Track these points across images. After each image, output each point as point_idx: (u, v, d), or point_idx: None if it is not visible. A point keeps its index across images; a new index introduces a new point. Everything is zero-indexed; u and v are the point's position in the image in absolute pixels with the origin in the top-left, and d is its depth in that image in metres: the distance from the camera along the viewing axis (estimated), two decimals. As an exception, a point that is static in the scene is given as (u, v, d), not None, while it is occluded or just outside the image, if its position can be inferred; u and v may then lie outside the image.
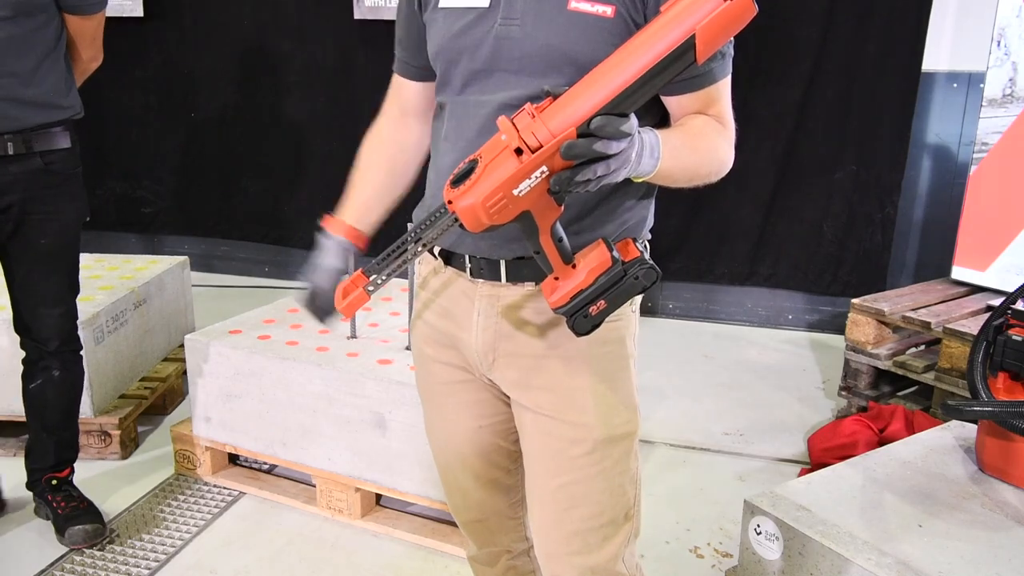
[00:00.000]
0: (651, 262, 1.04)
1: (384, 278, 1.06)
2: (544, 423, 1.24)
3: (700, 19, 0.93)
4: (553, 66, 1.11)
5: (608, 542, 1.28)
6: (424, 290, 1.34)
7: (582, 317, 1.04)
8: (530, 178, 0.96)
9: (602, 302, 1.04)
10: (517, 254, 1.18)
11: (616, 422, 1.24)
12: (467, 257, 1.23)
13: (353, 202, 1.35)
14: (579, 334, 1.06)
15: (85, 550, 2.20)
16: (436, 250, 1.28)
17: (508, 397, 1.30)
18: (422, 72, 1.29)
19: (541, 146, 0.95)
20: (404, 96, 1.35)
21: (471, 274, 1.23)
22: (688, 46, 0.93)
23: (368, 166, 1.37)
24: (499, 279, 1.21)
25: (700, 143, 1.13)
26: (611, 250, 1.05)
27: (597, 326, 1.06)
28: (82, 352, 2.28)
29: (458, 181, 0.98)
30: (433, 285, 1.31)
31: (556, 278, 1.06)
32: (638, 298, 1.26)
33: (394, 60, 1.35)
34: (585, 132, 0.94)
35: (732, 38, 1.15)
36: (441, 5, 1.19)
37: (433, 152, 1.30)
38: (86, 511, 2.24)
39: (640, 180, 1.06)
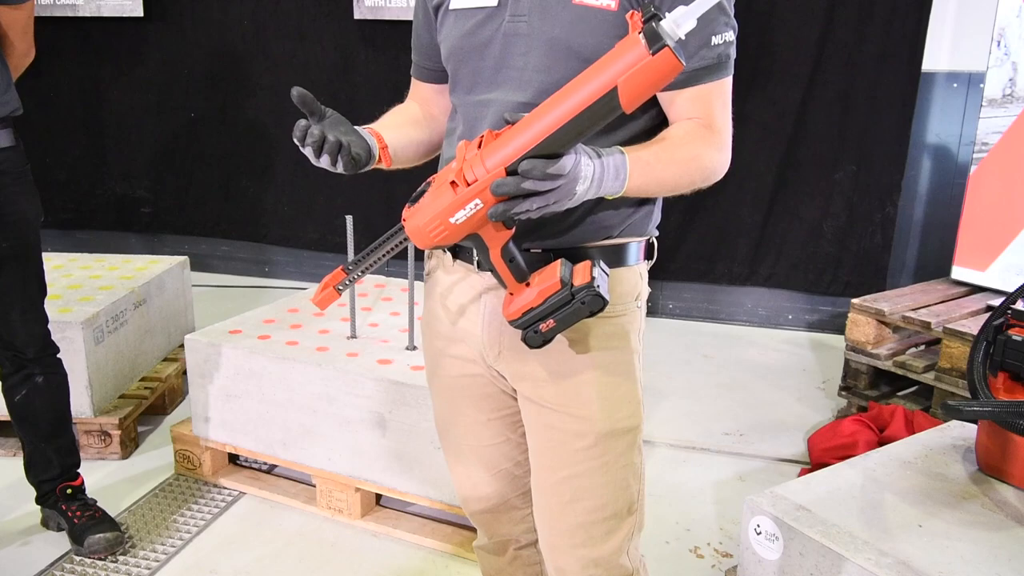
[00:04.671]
0: (598, 289, 1.07)
1: (352, 279, 1.15)
2: (547, 416, 1.25)
3: (622, 71, 0.93)
4: (557, 60, 1.13)
5: (611, 535, 1.29)
6: (435, 285, 1.35)
7: (533, 332, 1.09)
8: (464, 209, 1.00)
9: (551, 321, 1.07)
10: (523, 246, 1.19)
11: (619, 416, 1.25)
12: (474, 250, 1.24)
13: (379, 122, 1.32)
14: (531, 347, 1.10)
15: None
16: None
17: (515, 390, 1.31)
18: (436, 74, 1.33)
19: (476, 180, 0.99)
20: (421, 99, 1.38)
21: (478, 267, 1.25)
22: (611, 97, 0.94)
23: (392, 112, 1.38)
24: None
25: (677, 155, 1.13)
26: (563, 271, 1.08)
27: (548, 341, 1.10)
28: (59, 355, 2.22)
29: (414, 200, 1.05)
30: (441, 279, 1.33)
31: (511, 293, 1.10)
32: (645, 293, 1.29)
33: (411, 66, 1.39)
34: (514, 171, 0.97)
35: (734, 39, 1.16)
36: (452, 7, 1.23)
37: (447, 152, 1.32)
38: (103, 520, 2.22)
39: (612, 198, 1.09)
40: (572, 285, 1.07)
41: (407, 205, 1.06)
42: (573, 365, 1.23)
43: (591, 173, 1.01)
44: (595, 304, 1.06)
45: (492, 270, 1.09)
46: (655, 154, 1.11)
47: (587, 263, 1.09)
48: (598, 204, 1.18)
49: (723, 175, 1.20)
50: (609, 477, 1.26)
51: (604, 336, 1.22)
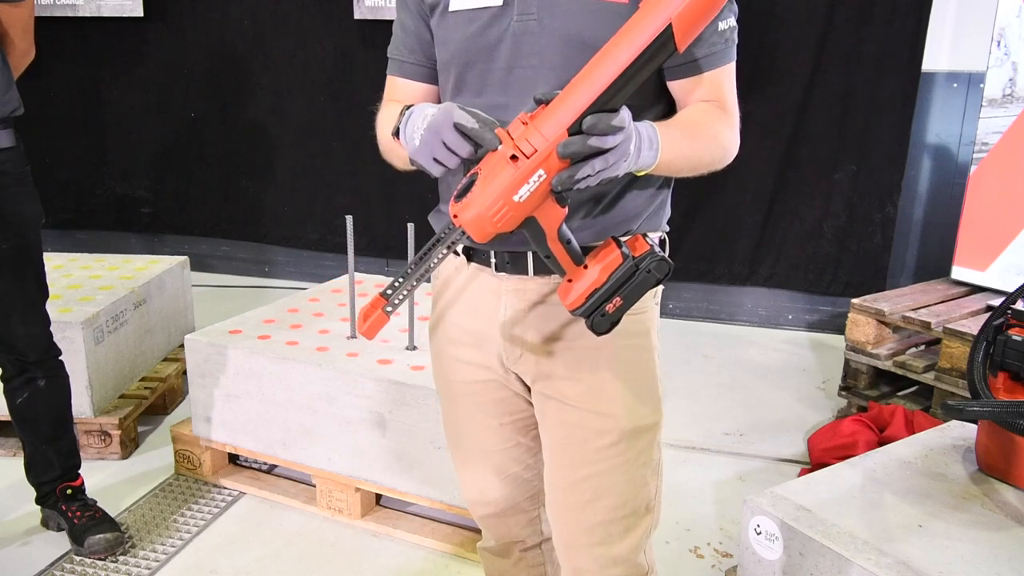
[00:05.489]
0: (662, 254, 1.06)
1: (401, 298, 1.08)
2: (569, 414, 1.25)
3: (675, 8, 0.94)
4: (572, 57, 1.11)
5: (630, 533, 1.29)
6: (448, 290, 1.33)
7: (599, 316, 1.06)
8: (528, 183, 0.98)
9: (618, 299, 1.05)
10: None
11: (641, 413, 1.25)
12: (491, 252, 1.23)
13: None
14: (599, 333, 1.07)
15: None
16: (459, 247, 1.27)
17: (528, 394, 1.30)
18: (431, 72, 1.28)
19: (536, 151, 0.97)
20: (412, 100, 1.28)
21: (496, 268, 1.24)
22: (667, 36, 0.95)
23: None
24: (525, 272, 1.22)
25: (700, 132, 1.14)
26: (621, 247, 1.06)
27: (616, 323, 1.07)
28: (62, 357, 2.21)
29: (461, 196, 1.01)
30: (457, 284, 1.31)
31: (570, 280, 1.07)
32: (659, 290, 1.28)
33: (390, 64, 1.32)
34: (577, 131, 0.96)
35: (736, 24, 1.15)
36: (452, 8, 1.19)
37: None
38: (103, 520, 2.22)
39: (643, 173, 1.07)
40: (633, 256, 1.05)
41: (452, 202, 1.02)
42: (597, 362, 1.22)
43: (635, 134, 1.01)
44: (661, 269, 1.05)
45: (549, 257, 1.06)
46: (681, 129, 1.11)
47: (637, 235, 1.08)
48: (623, 190, 1.19)
49: (734, 157, 1.20)
50: (630, 475, 1.26)
51: (626, 333, 1.21)
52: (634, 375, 1.24)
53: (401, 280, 1.07)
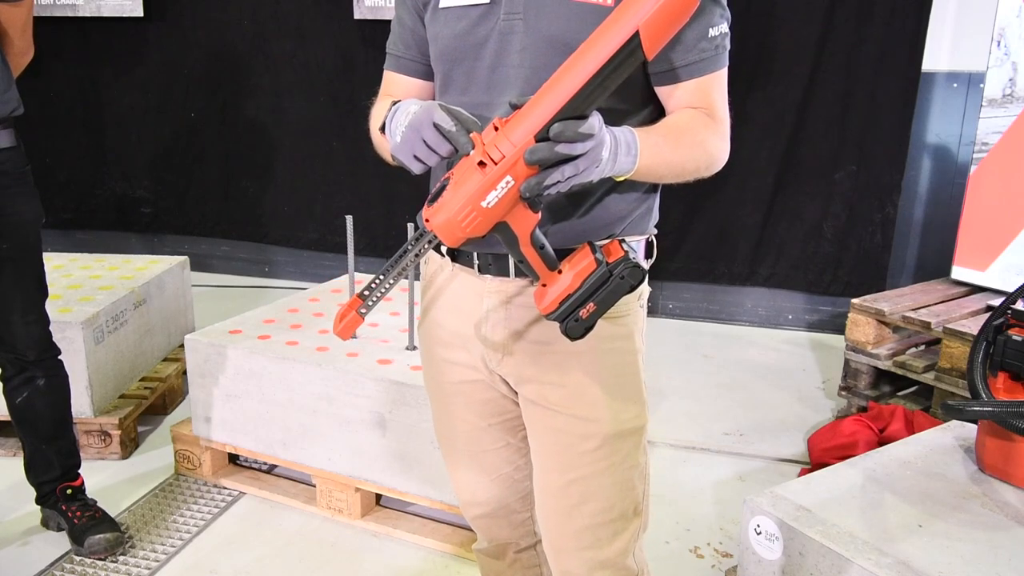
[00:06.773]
0: (635, 261, 1.06)
1: (376, 299, 1.10)
2: (553, 418, 1.25)
3: (642, 16, 0.93)
4: (555, 58, 1.10)
5: (618, 537, 1.29)
6: (431, 289, 1.33)
7: (573, 321, 1.06)
8: (496, 189, 0.98)
9: (591, 304, 1.06)
10: None
11: (625, 417, 1.24)
12: (475, 254, 1.23)
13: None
14: (572, 338, 1.07)
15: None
16: (443, 248, 1.27)
17: (516, 395, 1.30)
18: (426, 69, 1.28)
19: (504, 157, 0.97)
20: (406, 96, 1.29)
21: (479, 270, 1.24)
22: (635, 44, 0.94)
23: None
24: (507, 274, 1.22)
25: (684, 139, 1.13)
26: (595, 252, 1.07)
27: (590, 328, 1.07)
28: (61, 357, 2.22)
29: (433, 199, 1.02)
30: (440, 283, 1.31)
31: (544, 285, 1.08)
32: (645, 293, 1.28)
33: (387, 59, 1.33)
34: (544, 138, 0.96)
35: (729, 30, 1.15)
36: (442, 5, 1.20)
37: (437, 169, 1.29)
38: (103, 520, 2.22)
39: (622, 178, 1.07)
40: (607, 262, 1.05)
41: (426, 206, 1.03)
42: (579, 367, 1.22)
43: (609, 141, 1.01)
44: (635, 276, 1.05)
45: (523, 261, 1.06)
46: (663, 136, 1.11)
47: (614, 240, 1.08)
48: (605, 193, 1.18)
49: (723, 165, 1.20)
50: (616, 478, 1.25)
51: (608, 336, 1.21)
52: (617, 378, 1.24)
53: (378, 281, 1.09)
